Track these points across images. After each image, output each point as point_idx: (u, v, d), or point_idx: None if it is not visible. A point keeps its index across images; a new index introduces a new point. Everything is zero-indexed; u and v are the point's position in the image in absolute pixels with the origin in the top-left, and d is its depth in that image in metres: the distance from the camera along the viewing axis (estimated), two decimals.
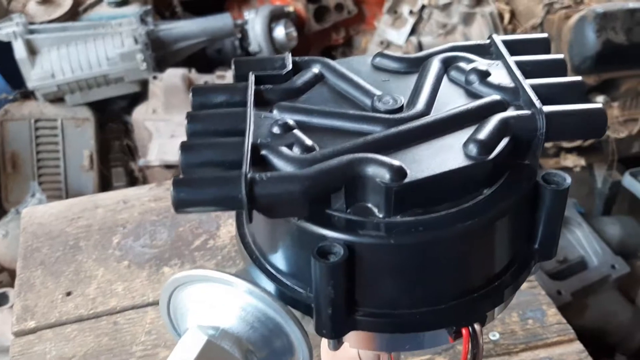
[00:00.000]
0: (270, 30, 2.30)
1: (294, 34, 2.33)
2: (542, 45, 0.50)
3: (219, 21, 2.30)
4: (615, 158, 1.70)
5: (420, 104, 0.45)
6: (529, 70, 0.46)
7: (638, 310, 1.59)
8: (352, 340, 0.45)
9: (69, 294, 0.99)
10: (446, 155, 0.41)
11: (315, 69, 0.49)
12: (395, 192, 0.39)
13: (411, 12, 2.16)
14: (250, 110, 0.44)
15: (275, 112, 0.45)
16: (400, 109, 0.45)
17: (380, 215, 0.40)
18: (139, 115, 2.04)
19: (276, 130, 0.43)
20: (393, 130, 0.43)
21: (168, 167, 1.78)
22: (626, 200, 1.81)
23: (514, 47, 0.49)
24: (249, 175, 0.38)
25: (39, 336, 0.93)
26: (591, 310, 1.54)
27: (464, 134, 0.43)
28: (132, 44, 2.09)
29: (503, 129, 0.42)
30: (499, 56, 0.48)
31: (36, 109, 2.12)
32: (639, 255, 1.66)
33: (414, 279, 0.41)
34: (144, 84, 2.16)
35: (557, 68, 0.48)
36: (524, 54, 0.49)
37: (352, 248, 0.39)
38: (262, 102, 0.46)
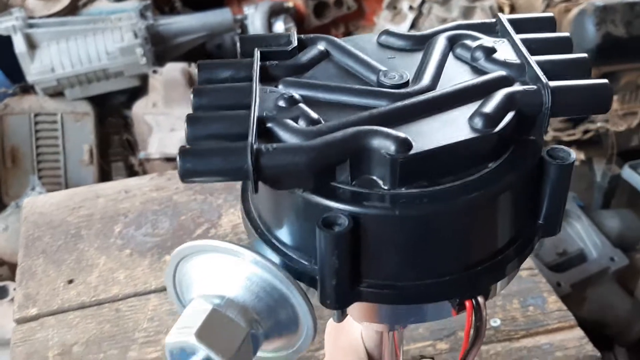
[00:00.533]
0: (269, 26, 2.30)
1: (294, 29, 2.33)
2: (548, 24, 0.50)
3: (219, 16, 2.31)
4: (615, 151, 1.71)
5: (426, 79, 0.45)
6: (534, 47, 0.46)
7: (637, 302, 1.59)
8: (356, 313, 0.46)
9: (70, 281, 0.99)
10: (452, 128, 0.42)
11: (321, 46, 0.49)
12: (401, 164, 0.39)
13: (411, 8, 2.16)
14: (256, 84, 0.44)
15: (280, 87, 0.46)
16: (405, 84, 0.45)
17: (386, 188, 0.40)
18: (139, 109, 2.04)
19: (282, 103, 0.43)
20: (399, 104, 0.43)
21: (168, 160, 1.78)
22: (625, 193, 1.81)
23: (520, 26, 0.49)
24: (255, 146, 0.39)
25: (40, 323, 0.94)
26: (590, 302, 1.54)
27: (470, 108, 0.43)
28: (131, 38, 2.09)
29: (509, 103, 0.42)
30: (505, 34, 0.49)
31: (36, 103, 2.12)
32: (637, 248, 1.66)
33: (418, 251, 0.42)
34: (144, 78, 2.16)
35: (563, 46, 0.48)
36: (530, 32, 0.49)
37: (357, 219, 0.39)
38: (268, 78, 0.46)
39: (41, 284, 0.99)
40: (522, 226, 0.45)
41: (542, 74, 0.43)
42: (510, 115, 0.42)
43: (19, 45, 2.05)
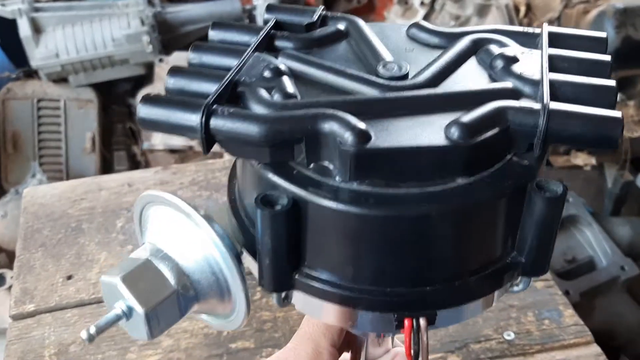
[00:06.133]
0: None
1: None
2: (597, 44, 0.46)
3: (227, 6, 2.27)
4: (629, 158, 1.67)
5: (426, 77, 0.42)
6: (565, 66, 0.42)
7: None
8: (298, 302, 0.43)
9: (69, 277, 0.96)
10: (424, 131, 0.38)
11: (341, 26, 0.48)
12: (353, 156, 0.36)
13: (422, 3, 2.12)
14: (251, 50, 0.44)
15: (280, 58, 0.45)
16: (402, 78, 0.42)
17: (337, 178, 0.37)
18: None
19: (267, 73, 0.42)
20: (379, 95, 0.41)
21: (172, 151, 1.74)
22: (637, 201, 1.78)
23: (564, 41, 0.45)
24: (211, 106, 0.38)
25: (37, 320, 0.90)
26: (599, 312, 1.51)
27: (455, 115, 0.39)
28: (138, 25, 2.05)
29: (496, 117, 0.38)
30: (541, 46, 0.45)
31: (39, 89, 2.09)
32: None
33: (358, 253, 0.39)
34: (149, 67, 2.12)
35: (598, 70, 0.43)
36: (572, 49, 0.44)
37: (298, 203, 0.38)
38: (273, 47, 0.46)
39: (39, 278, 0.96)
40: (490, 258, 0.40)
41: (548, 93, 0.38)
42: (493, 131, 0.37)
43: (24, 29, 2.02)
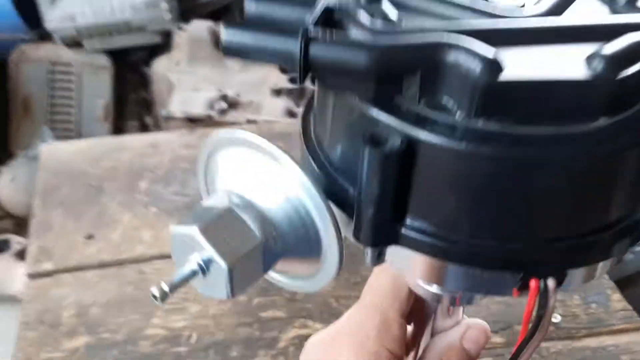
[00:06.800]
0: None
1: None
2: None
3: None
4: None
5: (544, 7, 0.37)
6: None
7: None
8: (394, 260, 0.38)
9: (90, 237, 0.91)
10: (562, 63, 0.33)
11: None
12: (483, 89, 0.31)
13: None
14: None
15: None
16: (519, 7, 0.36)
17: (458, 115, 0.32)
18: (161, 66, 1.94)
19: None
20: (501, 21, 0.35)
21: (191, 120, 1.69)
22: None
23: None
24: (310, 31, 0.33)
25: (56, 280, 0.86)
26: (629, 302, 1.47)
27: (591, 47, 0.34)
28: None
29: (638, 51, 0.33)
30: None
31: (53, 52, 2.03)
32: None
33: (481, 202, 0.33)
34: (166, 35, 2.07)
35: None
36: None
37: (413, 144, 0.32)
38: None
39: (58, 237, 0.91)
40: (632, 210, 0.36)
41: None
42: (638, 66, 0.32)
43: None
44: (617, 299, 0.87)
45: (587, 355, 0.79)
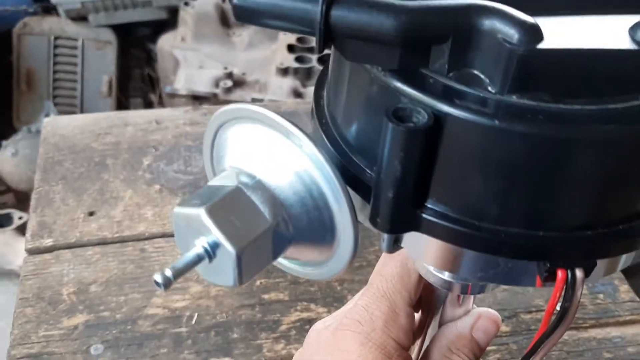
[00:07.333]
0: None
1: None
2: None
3: None
4: None
5: None
6: None
7: None
8: (412, 247, 0.36)
9: (91, 213, 0.89)
10: (603, 33, 0.31)
11: None
12: (521, 59, 0.28)
13: None
14: None
15: None
16: None
17: (491, 89, 0.30)
18: (166, 43, 1.92)
19: None
20: None
21: (195, 98, 1.67)
22: None
23: None
24: None
25: (56, 256, 0.84)
26: (636, 292, 1.46)
27: (634, 18, 0.32)
28: None
29: None
30: None
31: (57, 26, 2.01)
32: None
33: (511, 184, 0.31)
34: (172, 11, 2.05)
35: None
36: None
37: (440, 119, 0.30)
38: None
39: (59, 212, 0.90)
40: None
41: None
42: None
43: None
44: (624, 290, 0.85)
45: (593, 346, 0.78)
